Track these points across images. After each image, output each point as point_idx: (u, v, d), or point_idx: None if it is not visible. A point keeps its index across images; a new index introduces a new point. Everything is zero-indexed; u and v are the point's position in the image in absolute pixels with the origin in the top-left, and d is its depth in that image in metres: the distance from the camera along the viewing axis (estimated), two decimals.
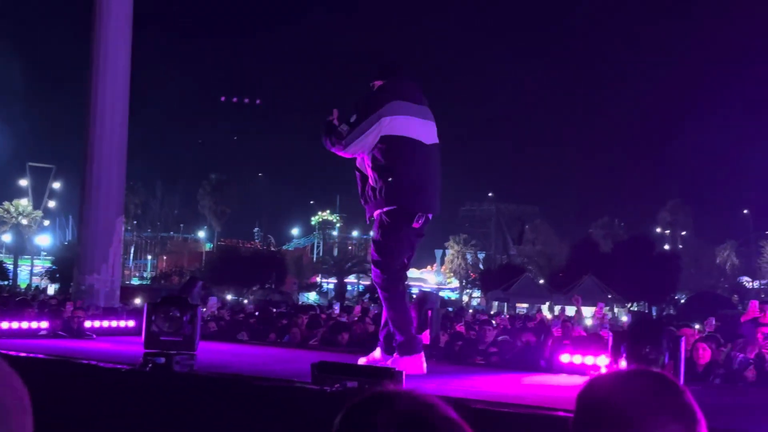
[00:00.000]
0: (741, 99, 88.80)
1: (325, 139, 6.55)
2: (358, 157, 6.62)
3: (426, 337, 6.81)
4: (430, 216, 6.51)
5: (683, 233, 77.49)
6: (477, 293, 75.35)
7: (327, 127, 6.56)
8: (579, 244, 64.30)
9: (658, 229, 76.88)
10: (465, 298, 74.37)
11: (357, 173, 6.71)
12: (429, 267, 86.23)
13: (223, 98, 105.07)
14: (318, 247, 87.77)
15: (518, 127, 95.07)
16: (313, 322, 13.14)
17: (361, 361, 6.54)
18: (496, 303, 56.41)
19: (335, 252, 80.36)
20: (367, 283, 65.80)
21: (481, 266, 78.06)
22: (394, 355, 6.41)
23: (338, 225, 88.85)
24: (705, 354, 8.80)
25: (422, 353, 6.42)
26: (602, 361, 6.30)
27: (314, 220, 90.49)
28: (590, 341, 11.53)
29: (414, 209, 6.38)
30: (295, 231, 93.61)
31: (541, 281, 63.14)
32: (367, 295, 55.39)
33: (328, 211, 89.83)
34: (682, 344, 5.14)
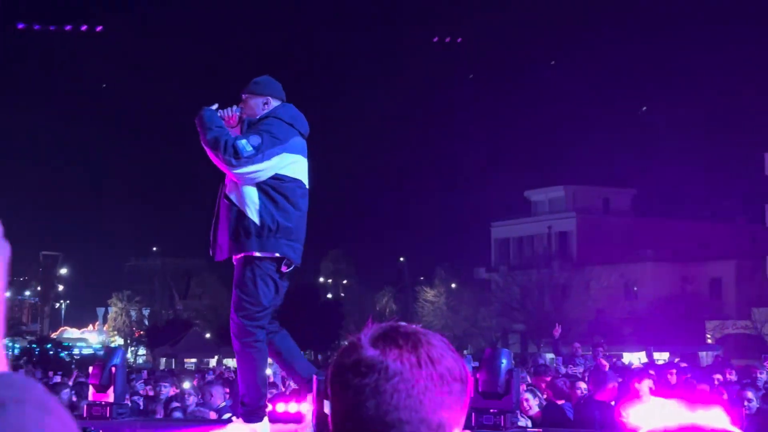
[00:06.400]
0: (396, 159, 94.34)
1: (221, 143, 5.71)
2: (234, 183, 5.90)
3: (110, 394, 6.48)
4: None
5: (345, 282, 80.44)
6: (143, 351, 73.49)
7: (219, 129, 5.79)
8: None
9: (322, 279, 79.27)
10: (130, 356, 72.20)
11: (225, 202, 5.95)
12: (91, 326, 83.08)
13: None
14: None
15: (182, 183, 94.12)
16: None
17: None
18: (163, 360, 55.28)
19: None
20: (25, 345, 61.93)
21: (146, 322, 76.29)
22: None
23: None
24: None
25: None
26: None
27: None
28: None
29: (291, 259, 5.95)
30: None
31: (208, 335, 62.81)
32: (24, 359, 52.20)
33: None
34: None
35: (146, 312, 79.90)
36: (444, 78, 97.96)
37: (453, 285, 65.10)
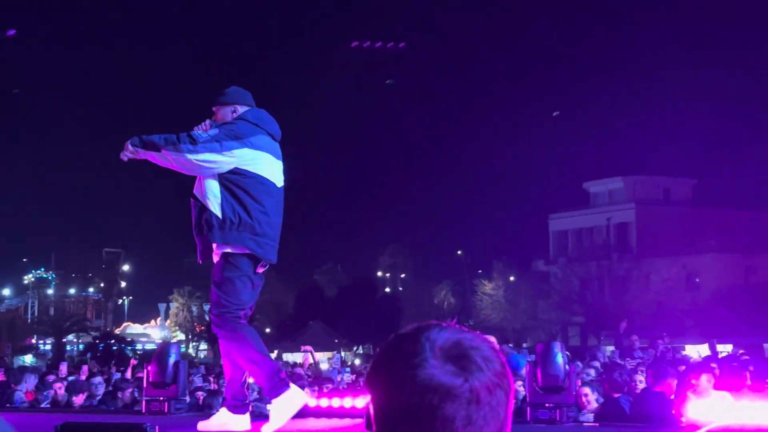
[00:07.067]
0: (454, 153, 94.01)
1: (173, 139, 5.87)
2: (198, 180, 6.09)
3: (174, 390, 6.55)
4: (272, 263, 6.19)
5: (402, 276, 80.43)
6: (204, 345, 74.25)
7: (164, 135, 5.93)
8: (304, 291, 65.12)
9: (380, 273, 79.28)
10: (192, 351, 73.01)
11: (192, 201, 6.17)
12: (153, 321, 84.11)
13: None
14: (33, 307, 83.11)
15: None
16: (40, 384, 12.41)
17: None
18: None
19: (51, 311, 76.43)
20: (89, 340, 63.08)
21: (206, 317, 77.01)
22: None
23: (54, 283, 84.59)
24: None
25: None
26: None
27: (27, 278, 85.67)
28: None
29: (259, 255, 6.03)
30: (6, 291, 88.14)
31: (268, 330, 63.25)
32: (89, 354, 53.13)
33: (42, 269, 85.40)
34: None
35: (206, 307, 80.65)
36: (500, 70, 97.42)
37: (511, 278, 64.73)
